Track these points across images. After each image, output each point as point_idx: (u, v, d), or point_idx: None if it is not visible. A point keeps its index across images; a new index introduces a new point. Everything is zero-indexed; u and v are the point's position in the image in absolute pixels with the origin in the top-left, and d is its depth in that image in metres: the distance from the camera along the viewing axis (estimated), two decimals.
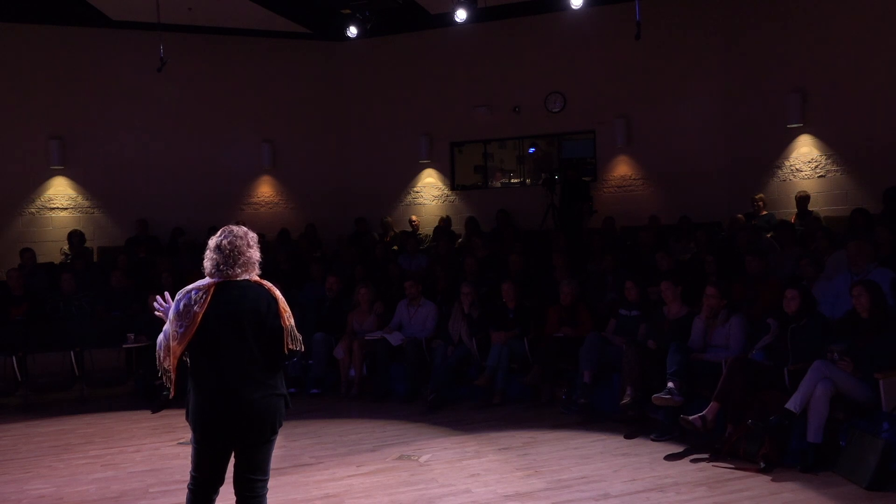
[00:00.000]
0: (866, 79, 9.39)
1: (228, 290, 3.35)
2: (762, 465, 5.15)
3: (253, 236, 3.51)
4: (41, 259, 10.63)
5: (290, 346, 3.36)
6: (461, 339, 7.86)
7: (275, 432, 3.41)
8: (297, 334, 3.42)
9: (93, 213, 11.83)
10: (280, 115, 12.79)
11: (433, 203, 12.90)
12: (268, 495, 3.47)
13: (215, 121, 12.40)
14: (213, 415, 3.31)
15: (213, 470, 3.40)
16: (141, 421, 7.31)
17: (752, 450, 5.30)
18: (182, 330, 3.28)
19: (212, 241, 3.44)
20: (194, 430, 3.37)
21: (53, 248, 11.33)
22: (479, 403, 7.40)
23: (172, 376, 3.36)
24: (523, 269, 8.80)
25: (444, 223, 12.21)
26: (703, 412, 5.51)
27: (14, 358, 8.00)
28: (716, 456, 5.44)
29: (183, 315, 3.30)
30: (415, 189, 13.02)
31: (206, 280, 3.40)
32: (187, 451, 3.64)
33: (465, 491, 4.97)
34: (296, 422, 6.92)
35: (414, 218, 12.40)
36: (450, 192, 12.84)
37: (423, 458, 5.71)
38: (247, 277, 3.41)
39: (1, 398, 8.04)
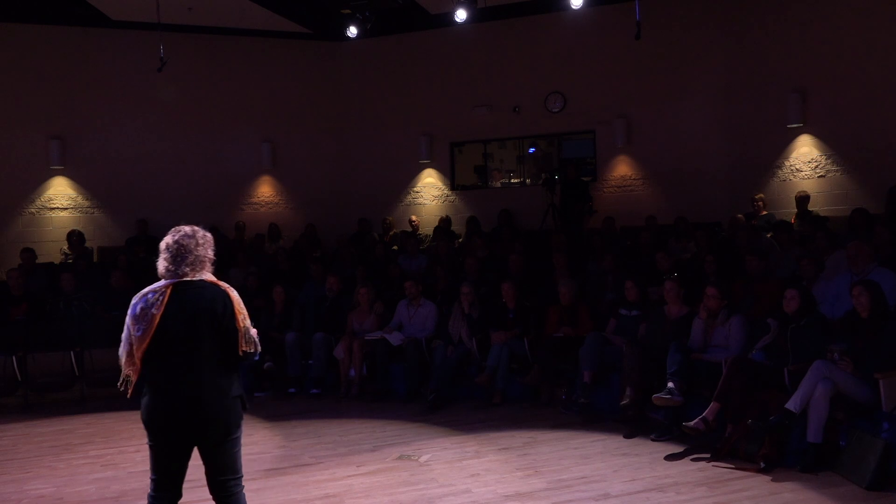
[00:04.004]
0: (866, 79, 9.40)
1: (185, 292, 3.33)
2: (762, 465, 5.15)
3: (204, 234, 3.47)
4: (41, 259, 10.61)
5: (244, 348, 3.34)
6: (461, 339, 7.86)
7: (230, 433, 3.37)
8: (253, 336, 3.39)
9: (93, 213, 11.83)
10: (280, 115, 12.79)
11: (433, 203, 12.90)
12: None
13: (215, 121, 12.39)
14: (165, 416, 3.31)
15: (169, 474, 3.37)
16: (141, 421, 7.28)
17: (752, 450, 5.30)
18: (140, 333, 3.27)
19: (162, 243, 3.43)
20: (148, 431, 3.37)
21: (53, 248, 11.33)
22: (479, 403, 7.40)
23: (133, 380, 3.37)
24: (523, 269, 8.80)
25: (444, 223, 12.20)
26: (704, 414, 5.51)
27: (14, 358, 8.00)
28: (716, 456, 5.44)
29: (140, 318, 3.28)
30: (415, 189, 13.02)
31: (162, 282, 3.38)
32: None
33: (465, 491, 4.97)
34: (296, 422, 6.93)
35: (414, 218, 12.40)
36: (450, 192, 12.83)
37: (423, 458, 5.71)
38: (201, 277, 3.39)
39: (1, 398, 8.03)
